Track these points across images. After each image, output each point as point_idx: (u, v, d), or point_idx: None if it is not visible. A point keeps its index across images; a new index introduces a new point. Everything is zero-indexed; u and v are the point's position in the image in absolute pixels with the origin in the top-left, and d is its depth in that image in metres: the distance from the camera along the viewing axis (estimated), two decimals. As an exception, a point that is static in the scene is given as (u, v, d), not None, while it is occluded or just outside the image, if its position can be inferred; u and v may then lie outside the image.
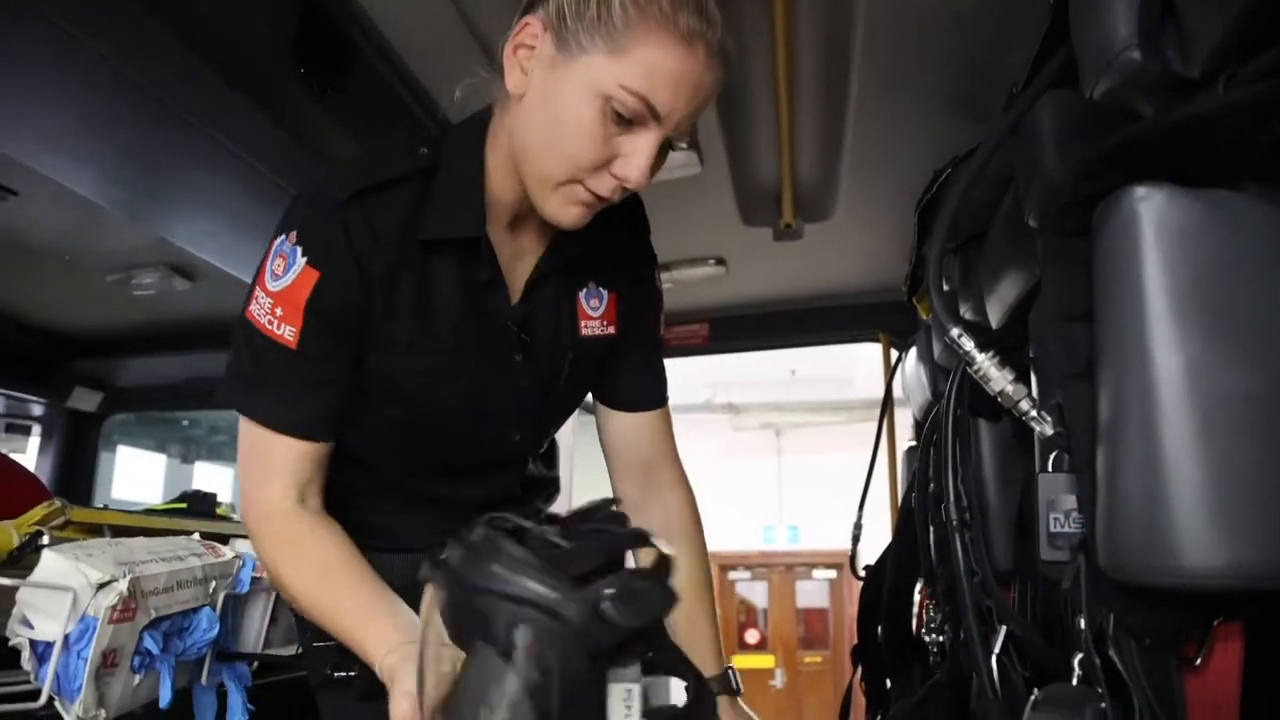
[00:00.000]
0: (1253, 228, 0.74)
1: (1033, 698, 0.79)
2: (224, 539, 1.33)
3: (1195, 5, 0.74)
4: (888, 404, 2.33)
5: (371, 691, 0.82)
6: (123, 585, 1.01)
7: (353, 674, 0.98)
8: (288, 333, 0.86)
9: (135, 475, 5.74)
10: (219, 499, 1.77)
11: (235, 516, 1.76)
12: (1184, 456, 0.71)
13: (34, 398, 2.89)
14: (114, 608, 1.01)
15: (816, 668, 7.07)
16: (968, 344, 0.92)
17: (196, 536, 1.26)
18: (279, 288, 0.86)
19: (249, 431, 0.90)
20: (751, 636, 7.51)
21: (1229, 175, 0.75)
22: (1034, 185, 1.09)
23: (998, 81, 1.42)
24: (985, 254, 1.32)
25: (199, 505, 1.72)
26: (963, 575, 1.14)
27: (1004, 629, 1.08)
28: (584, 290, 1.03)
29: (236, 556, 1.27)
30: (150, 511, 1.57)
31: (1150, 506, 0.72)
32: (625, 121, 0.83)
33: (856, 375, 5.92)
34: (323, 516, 0.92)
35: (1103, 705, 0.77)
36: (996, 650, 1.07)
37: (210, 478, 6.13)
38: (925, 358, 1.95)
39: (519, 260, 0.98)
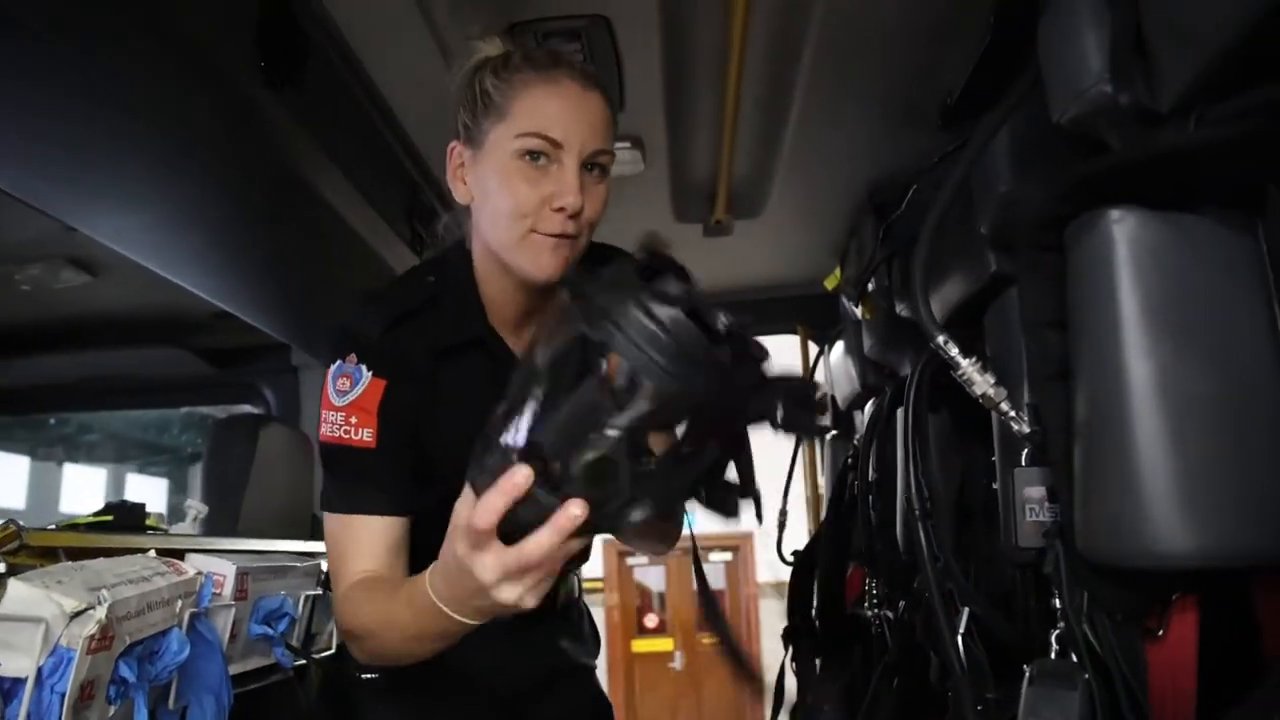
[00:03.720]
0: (1215, 247, 0.81)
1: (1028, 673, 0.87)
2: (179, 554, 1.27)
3: (1167, 46, 0.81)
4: (809, 394, 2.42)
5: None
6: (100, 613, 0.96)
7: None
8: (365, 435, 0.98)
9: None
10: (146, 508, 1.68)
11: (170, 529, 1.67)
12: (1155, 452, 0.78)
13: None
14: (92, 637, 0.96)
15: (715, 648, 7.23)
16: (953, 349, 0.98)
17: (152, 553, 1.20)
18: (348, 401, 0.98)
19: (335, 523, 1.00)
20: (650, 620, 7.62)
21: (1192, 200, 0.83)
22: (988, 200, 1.17)
23: (932, 90, 1.50)
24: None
25: (127, 517, 1.63)
26: (927, 561, 1.22)
27: (966, 610, 1.18)
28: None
29: (199, 573, 1.22)
30: (91, 526, 1.48)
31: (1125, 496, 0.79)
32: (537, 158, 0.95)
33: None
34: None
35: (1086, 676, 0.86)
36: (961, 630, 1.16)
37: (84, 482, 5.70)
38: (854, 350, 2.04)
39: None
